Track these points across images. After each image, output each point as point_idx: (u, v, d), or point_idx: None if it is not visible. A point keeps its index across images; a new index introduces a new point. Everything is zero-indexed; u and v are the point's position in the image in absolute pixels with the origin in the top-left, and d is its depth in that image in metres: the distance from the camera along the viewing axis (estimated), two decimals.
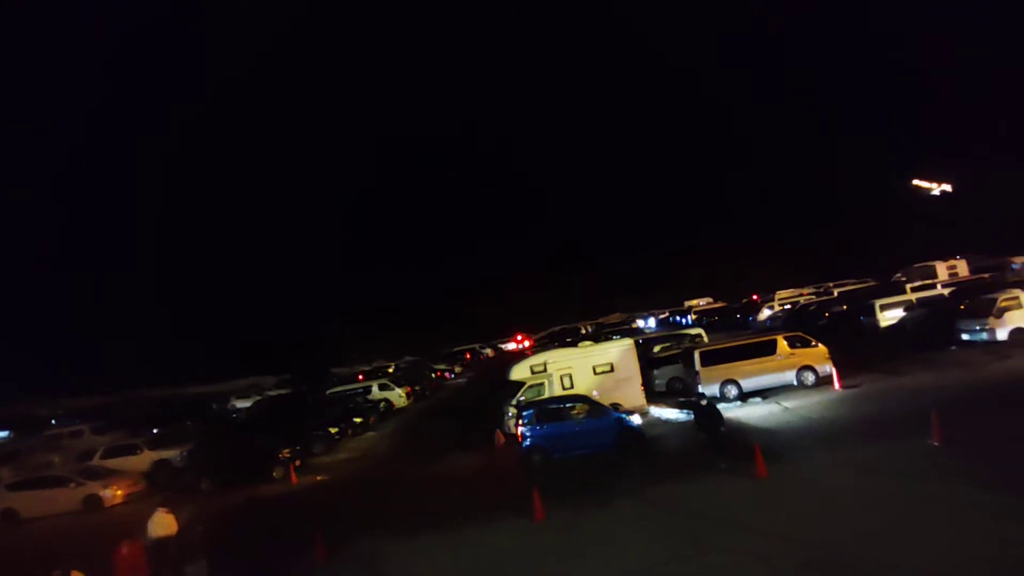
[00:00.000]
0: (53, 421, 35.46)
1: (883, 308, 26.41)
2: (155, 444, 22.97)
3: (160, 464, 21.72)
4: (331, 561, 10.85)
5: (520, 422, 16.17)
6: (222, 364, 52.68)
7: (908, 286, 29.81)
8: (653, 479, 12.43)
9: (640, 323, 48.90)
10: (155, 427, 27.00)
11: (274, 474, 18.83)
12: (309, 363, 46.48)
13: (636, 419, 16.27)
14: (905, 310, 25.81)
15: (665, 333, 30.94)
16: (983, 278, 29.31)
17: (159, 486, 20.18)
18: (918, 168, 43.98)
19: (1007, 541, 7.50)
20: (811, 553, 8.05)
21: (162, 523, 10.56)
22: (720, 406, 17.28)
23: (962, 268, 34.82)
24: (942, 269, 35.17)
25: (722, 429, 12.96)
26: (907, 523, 8.52)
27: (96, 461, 21.61)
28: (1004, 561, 7.05)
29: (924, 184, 39.56)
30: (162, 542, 10.32)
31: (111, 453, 22.20)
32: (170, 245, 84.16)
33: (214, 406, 36.46)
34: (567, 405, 16.63)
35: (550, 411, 16.38)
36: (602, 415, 15.95)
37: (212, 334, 66.39)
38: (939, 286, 28.61)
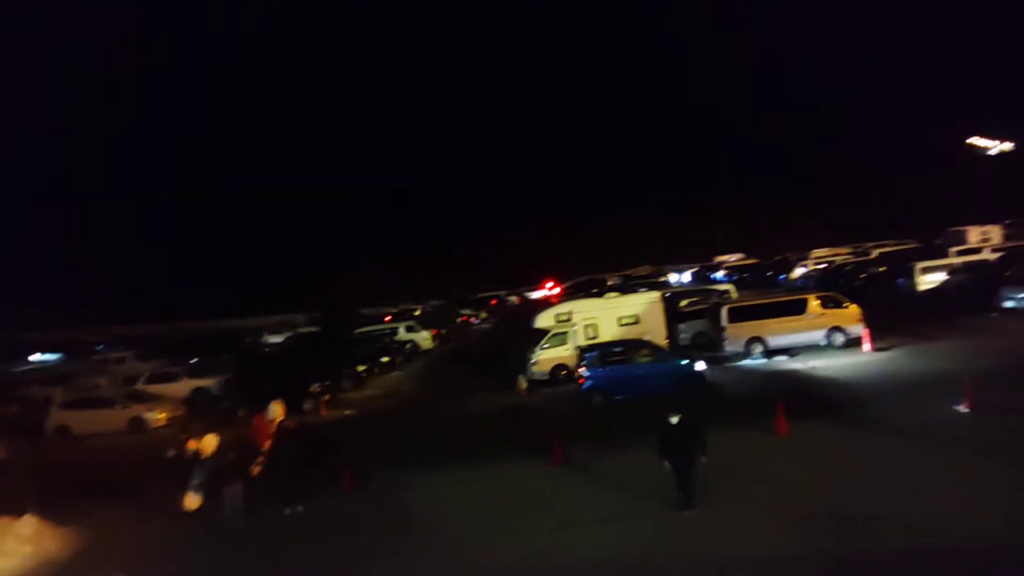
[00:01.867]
0: (99, 347, 37.37)
1: (923, 271, 25.48)
2: (194, 372, 24.10)
3: (199, 392, 22.83)
4: (356, 489, 11.44)
5: (582, 363, 16.43)
6: (256, 301, 54.43)
7: (952, 249, 28.62)
8: None
9: (673, 277, 46.78)
10: (194, 357, 28.21)
11: (304, 407, 19.65)
12: (338, 303, 47.57)
13: (701, 365, 16.16)
14: (947, 274, 24.87)
15: (693, 288, 30.60)
16: None
17: (198, 412, 21.31)
18: (977, 125, 41.32)
19: (1018, 509, 7.44)
20: (818, 506, 8.17)
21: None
22: (745, 363, 17.23)
23: (996, 234, 33.29)
24: (975, 234, 33.72)
25: (702, 458, 8.73)
26: (919, 485, 8.52)
27: (140, 386, 22.84)
28: (1009, 528, 7.01)
29: (982, 143, 37.20)
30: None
31: (154, 379, 23.40)
32: (214, 190, 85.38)
33: (248, 340, 37.82)
34: (630, 348, 16.89)
35: (613, 353, 16.60)
36: (665, 360, 16.23)
37: (248, 272, 68.34)
38: (986, 251, 27.40)
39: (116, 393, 21.64)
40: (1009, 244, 29.70)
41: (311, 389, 19.98)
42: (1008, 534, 6.90)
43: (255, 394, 20.10)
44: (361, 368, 24.16)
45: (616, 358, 16.44)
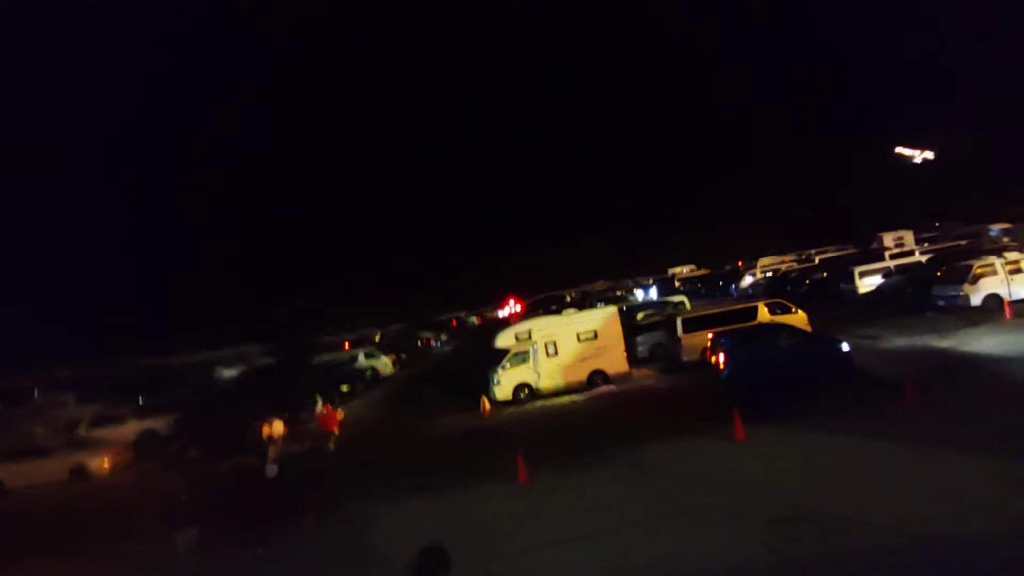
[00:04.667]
0: (35, 392, 35.16)
1: (862, 275, 26.86)
2: (141, 413, 22.97)
3: (147, 434, 21.76)
4: (320, 524, 11.10)
5: (720, 350, 15.47)
6: (208, 334, 52.44)
7: (887, 253, 30.35)
8: (630, 442, 12.75)
9: (638, 294, 43.41)
10: (141, 396, 26.89)
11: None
12: (295, 332, 46.35)
13: (845, 347, 15.03)
14: (883, 276, 26.29)
15: (649, 301, 31.25)
16: (959, 245, 29.87)
17: (147, 455, 20.29)
18: (902, 136, 44.17)
19: (972, 497, 7.87)
20: (780, 511, 8.39)
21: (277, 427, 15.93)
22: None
23: (908, 238, 35.97)
24: (888, 239, 36.36)
25: None
26: (874, 482, 8.87)
27: (82, 431, 21.61)
28: (966, 519, 7.40)
29: (907, 152, 39.79)
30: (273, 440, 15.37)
31: (97, 423, 22.18)
32: (155, 220, 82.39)
33: (203, 375, 36.35)
34: (771, 331, 15.90)
35: (751, 338, 15.69)
36: (808, 343, 15.16)
37: (198, 304, 65.87)
38: (916, 253, 29.18)
39: (55, 440, 20.38)
40: (917, 248, 31.78)
41: None
42: (955, 525, 7.26)
43: (209, 432, 19.37)
44: (320, 398, 23.53)
45: (756, 342, 15.44)
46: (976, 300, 20.27)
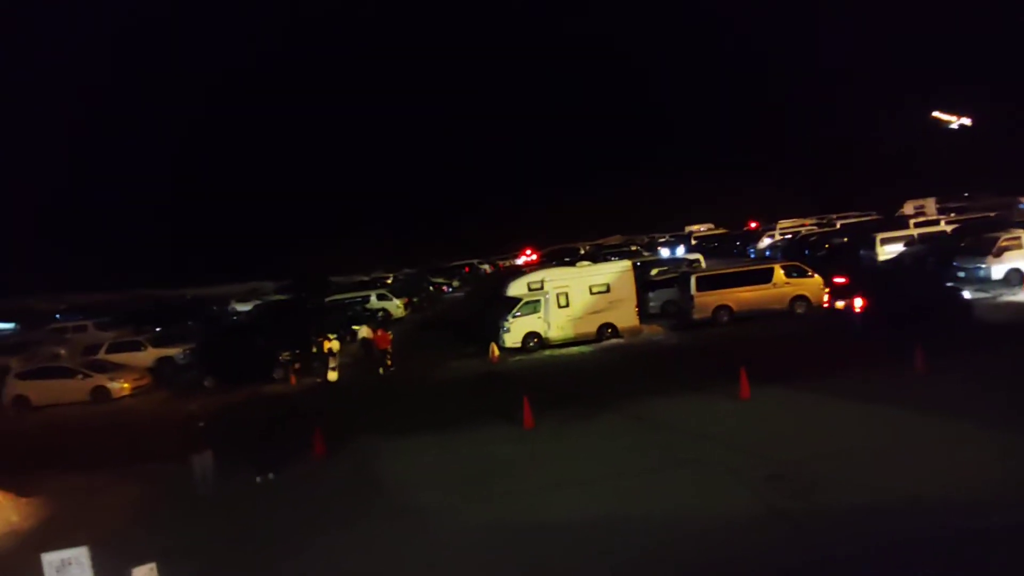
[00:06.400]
0: (57, 316, 36.14)
1: (884, 242, 26.31)
2: (159, 342, 23.59)
3: (164, 361, 22.40)
4: (328, 456, 11.50)
5: (858, 294, 16.32)
6: (223, 268, 53.16)
7: (912, 221, 29.56)
8: (635, 395, 12.89)
9: (664, 252, 38.10)
10: (157, 326, 27.56)
11: (275, 375, 19.48)
12: (309, 271, 46.78)
13: (967, 295, 16.24)
14: (905, 245, 25.74)
15: (664, 258, 30.94)
16: (987, 216, 28.99)
17: (163, 381, 20.96)
18: (938, 102, 42.18)
19: (958, 463, 7.93)
20: (778, 468, 8.54)
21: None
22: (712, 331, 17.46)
23: (930, 207, 35.01)
24: (908, 208, 35.40)
25: None
26: (868, 444, 8.98)
27: (102, 355, 22.28)
28: (950, 483, 7.47)
29: (944, 117, 38.09)
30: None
31: (116, 348, 22.83)
32: (175, 153, 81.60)
33: (215, 308, 37.06)
34: (903, 278, 17.22)
35: (885, 282, 16.86)
36: (937, 290, 16.42)
37: (214, 237, 66.43)
38: (942, 222, 28.39)
39: (77, 363, 21.07)
40: (940, 217, 30.83)
41: (281, 357, 19.79)
42: (939, 488, 7.34)
43: (222, 363, 19.90)
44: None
45: (892, 287, 16.52)
46: (998, 273, 19.85)
